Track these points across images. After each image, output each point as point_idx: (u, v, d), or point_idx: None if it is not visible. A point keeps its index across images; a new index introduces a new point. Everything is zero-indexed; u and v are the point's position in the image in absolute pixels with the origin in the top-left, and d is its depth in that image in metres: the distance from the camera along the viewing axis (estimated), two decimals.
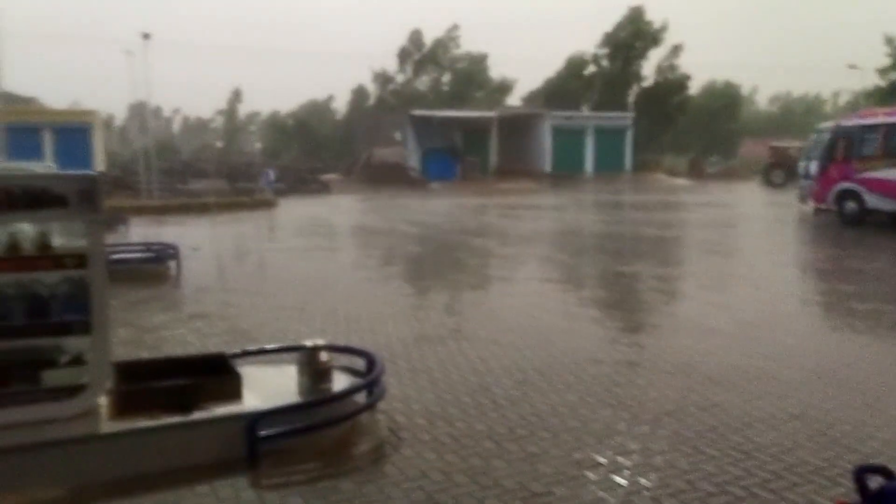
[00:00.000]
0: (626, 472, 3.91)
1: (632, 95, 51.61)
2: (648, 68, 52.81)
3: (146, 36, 24.42)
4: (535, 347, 6.47)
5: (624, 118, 44.15)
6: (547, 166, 40.98)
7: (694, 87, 56.73)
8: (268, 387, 4.52)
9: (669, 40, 51.94)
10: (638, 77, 52.73)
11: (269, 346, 5.43)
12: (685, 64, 53.07)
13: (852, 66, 38.41)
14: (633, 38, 51.50)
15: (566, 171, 40.22)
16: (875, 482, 2.28)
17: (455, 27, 58.49)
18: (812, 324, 7.85)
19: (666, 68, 52.37)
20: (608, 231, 17.57)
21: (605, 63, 53.17)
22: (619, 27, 52.04)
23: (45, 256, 3.98)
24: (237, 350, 5.18)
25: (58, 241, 4.09)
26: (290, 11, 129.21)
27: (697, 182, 39.83)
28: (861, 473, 2.28)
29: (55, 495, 3.78)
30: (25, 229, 4.03)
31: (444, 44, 58.41)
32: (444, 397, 5.14)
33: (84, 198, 3.94)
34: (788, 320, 7.75)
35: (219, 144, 66.09)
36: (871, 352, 6.39)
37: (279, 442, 4.14)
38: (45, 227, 4.05)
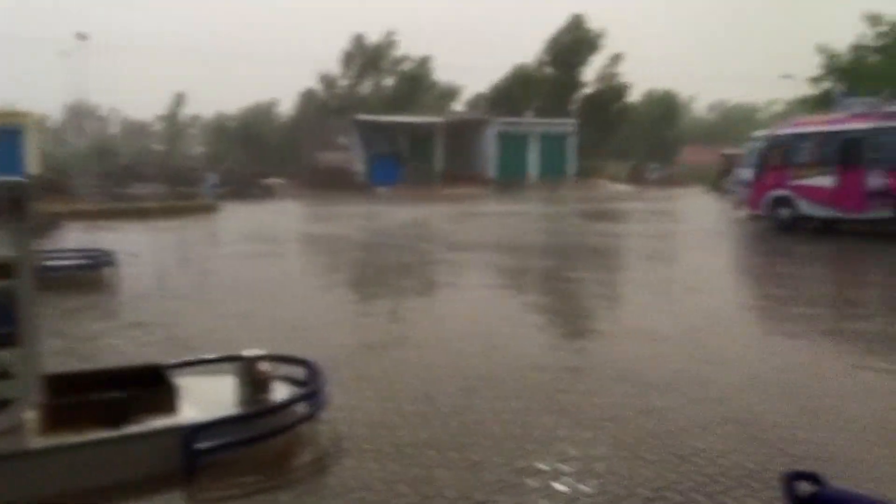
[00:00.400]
0: (567, 479, 3.93)
1: (575, 102, 52.41)
2: (590, 75, 53.79)
3: (82, 36, 23.84)
4: (479, 354, 6.48)
5: (567, 124, 44.78)
6: (492, 172, 41.26)
7: (635, 96, 58.02)
8: (205, 398, 4.42)
9: (610, 48, 53.02)
10: (580, 84, 53.59)
11: (206, 356, 5.31)
12: (626, 72, 54.28)
13: (786, 76, 39.70)
14: (574, 45, 52.34)
15: (511, 176, 40.57)
16: (804, 489, 2.32)
17: (392, 32, 58.45)
18: (749, 328, 8.04)
19: (607, 76, 53.36)
20: (553, 237, 17.77)
21: (548, 70, 53.88)
22: (561, 34, 52.82)
23: None
24: (174, 360, 5.05)
25: None
26: (236, 13, 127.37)
27: (639, 188, 40.64)
28: (789, 480, 2.32)
29: None
30: None
31: (383, 48, 58.31)
32: (387, 406, 5.10)
33: (11, 204, 3.80)
34: (727, 325, 7.93)
35: (160, 148, 64.67)
36: (804, 355, 6.58)
37: (217, 455, 4.05)
38: None
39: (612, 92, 53.23)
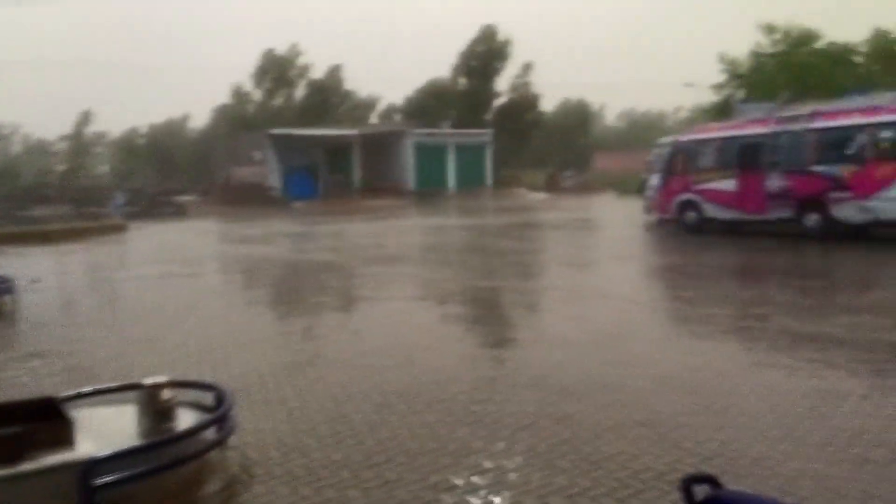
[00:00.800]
0: (481, 493, 3.92)
1: (490, 112, 53.10)
2: (504, 86, 54.62)
3: None
4: (395, 369, 6.43)
5: (483, 135, 45.26)
6: (411, 183, 41.30)
7: (549, 105, 59.23)
8: (105, 430, 4.22)
9: (522, 58, 53.98)
10: (495, 94, 54.34)
11: (106, 386, 5.08)
12: (539, 82, 55.31)
13: (689, 84, 41.18)
14: (487, 55, 53.07)
15: (430, 187, 40.70)
16: (702, 492, 2.35)
17: (297, 44, 58.01)
18: (658, 330, 8.25)
19: (520, 85, 54.29)
20: (471, 246, 17.88)
21: (463, 81, 54.43)
22: (474, 45, 53.49)
23: None
24: (72, 391, 4.81)
25: None
26: (145, 28, 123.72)
27: (555, 195, 41.35)
28: (687, 484, 2.34)
29: None
30: None
31: (292, 59, 57.73)
32: (300, 427, 5.00)
33: None
34: (636, 328, 8.12)
35: (62, 168, 62.11)
36: (710, 355, 6.78)
37: (118, 489, 3.86)
38: None
39: (525, 101, 54.17)
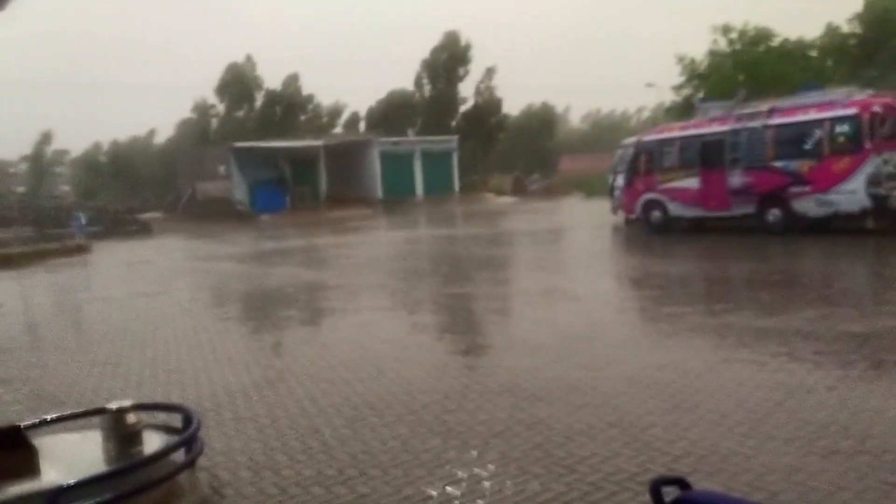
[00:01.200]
0: (456, 503, 3.91)
1: (455, 118, 53.25)
2: (467, 91, 54.81)
3: None
4: (366, 381, 6.39)
5: (449, 141, 45.39)
6: (378, 192, 41.26)
7: (514, 109, 59.56)
8: (70, 457, 4.14)
9: (484, 63, 54.24)
10: (459, 100, 54.52)
11: (70, 412, 4.99)
12: (502, 85, 55.60)
13: (650, 85, 41.74)
14: (450, 61, 53.24)
15: (397, 195, 40.70)
16: (671, 493, 2.36)
17: (251, 55, 57.54)
18: (626, 331, 8.32)
19: (483, 90, 54.53)
20: (439, 254, 17.89)
21: (427, 87, 54.55)
22: (436, 52, 53.64)
23: None
24: (35, 419, 4.71)
25: None
26: (105, 44, 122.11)
27: (522, 199, 41.56)
28: (657, 486, 2.35)
29: None
30: None
31: (250, 72, 57.27)
32: (271, 445, 4.94)
33: None
34: (605, 329, 8.18)
35: (22, 189, 60.98)
36: (678, 353, 6.84)
37: None
38: None
39: (489, 106, 54.45)
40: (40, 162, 68.68)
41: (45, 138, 68.44)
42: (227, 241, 24.62)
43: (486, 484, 4.10)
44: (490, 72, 54.57)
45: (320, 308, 11.23)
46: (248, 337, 9.45)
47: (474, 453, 4.56)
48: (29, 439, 4.21)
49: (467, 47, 53.61)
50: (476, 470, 4.30)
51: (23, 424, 4.50)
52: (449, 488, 4.08)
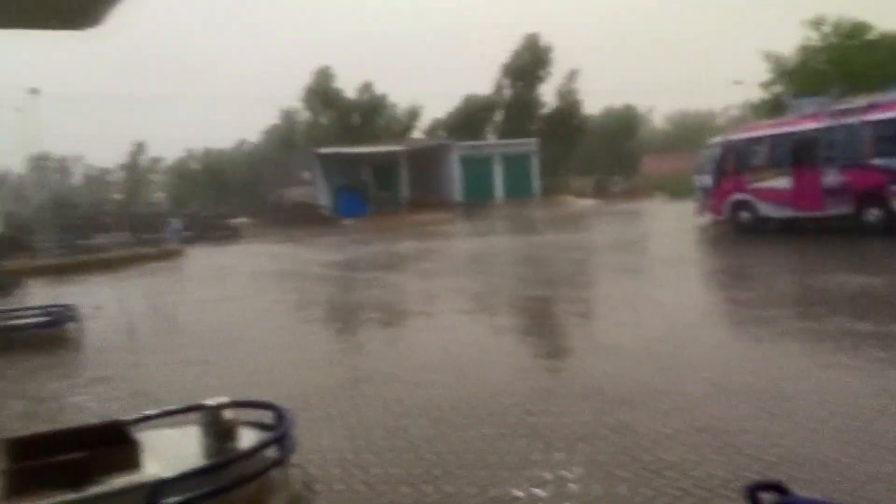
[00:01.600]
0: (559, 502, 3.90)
1: (535, 121, 52.94)
2: (548, 94, 54.42)
3: (34, 91, 23.68)
4: (450, 383, 6.43)
5: (529, 144, 45.11)
6: (458, 195, 41.40)
7: (595, 111, 58.76)
8: (170, 452, 4.32)
9: (565, 65, 53.71)
10: (540, 103, 54.18)
11: (169, 408, 5.20)
12: (585, 89, 54.91)
13: (738, 83, 40.45)
14: (531, 64, 52.99)
15: (477, 198, 40.73)
16: (769, 499, 2.30)
17: (328, 65, 58.38)
18: (714, 335, 8.10)
19: (565, 92, 54.03)
20: (520, 257, 17.81)
21: (507, 91, 54.44)
22: (517, 55, 53.48)
23: None
24: (136, 415, 4.94)
25: None
26: (194, 56, 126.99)
27: (604, 202, 40.97)
28: (753, 491, 2.30)
29: None
30: None
31: (331, 80, 58.27)
32: (359, 444, 5.03)
33: None
34: (693, 333, 7.99)
35: (119, 196, 63.98)
36: (769, 358, 6.63)
37: None
38: None
39: (570, 108, 53.89)
40: (136, 170, 71.91)
41: (140, 148, 71.69)
42: (311, 245, 25.18)
43: (573, 486, 4.07)
44: (572, 74, 54.03)
45: (403, 310, 11.36)
46: (333, 338, 9.64)
47: (560, 455, 4.53)
48: (130, 434, 4.42)
49: (548, 49, 53.26)
50: (562, 472, 4.28)
51: (125, 420, 4.73)
52: (535, 490, 4.07)
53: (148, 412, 5.06)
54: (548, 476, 4.24)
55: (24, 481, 3.90)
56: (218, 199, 58.19)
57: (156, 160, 77.46)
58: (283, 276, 17.29)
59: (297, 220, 35.75)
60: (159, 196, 62.80)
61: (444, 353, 7.77)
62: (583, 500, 3.90)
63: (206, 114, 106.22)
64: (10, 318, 10.46)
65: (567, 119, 52.87)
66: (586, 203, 40.87)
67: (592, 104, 56.92)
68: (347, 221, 34.96)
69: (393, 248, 22.10)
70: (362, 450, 4.91)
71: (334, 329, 10.41)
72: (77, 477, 3.97)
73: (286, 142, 57.93)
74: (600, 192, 45.96)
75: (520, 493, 4.05)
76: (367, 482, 4.37)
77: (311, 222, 34.85)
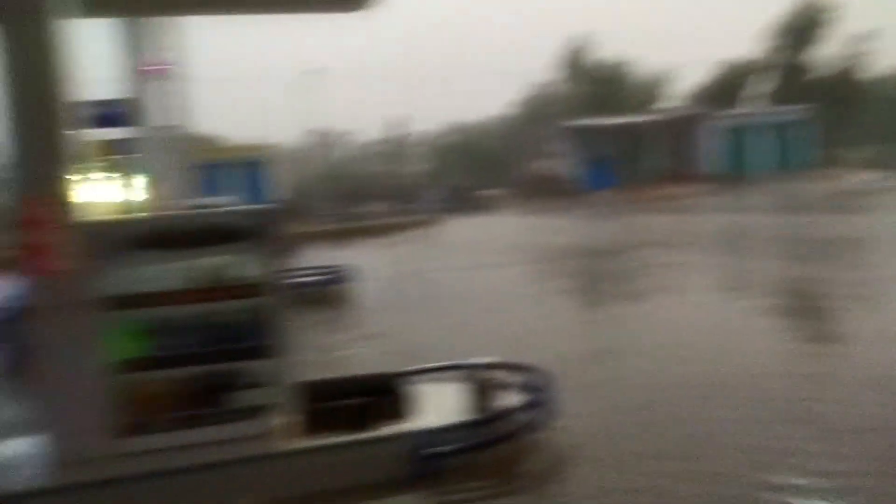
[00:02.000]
0: (806, 497, 3.65)
1: (807, 87, 48.33)
2: (826, 58, 49.37)
3: (317, 70, 26.06)
4: (704, 361, 6.18)
5: (799, 112, 41.30)
6: (713, 168, 39.14)
7: (881, 75, 52.37)
8: (434, 405, 4.61)
9: (848, 27, 48.30)
10: (813, 67, 49.39)
11: (435, 364, 5.53)
12: (870, 51, 49.04)
13: None
14: (805, 26, 48.42)
15: (735, 172, 38.24)
16: None
17: (589, 35, 57.38)
18: None
19: (847, 57, 48.66)
20: (787, 233, 16.48)
21: (775, 56, 50.28)
22: (791, 17, 49.11)
23: (230, 287, 4.27)
24: (404, 369, 5.31)
25: (242, 271, 4.35)
26: (454, 33, 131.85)
27: (886, 177, 36.51)
28: None
29: None
30: (214, 262, 4.33)
31: (586, 51, 57.44)
32: (617, 414, 5.02)
33: (263, 229, 4.24)
34: None
35: (386, 168, 68.68)
36: None
37: (445, 460, 4.19)
38: (232, 259, 4.33)
39: (850, 73, 48.50)
40: (399, 143, 76.56)
41: (404, 122, 76.08)
42: (562, 217, 25.27)
43: (857, 481, 3.75)
44: (859, 37, 48.33)
45: (656, 285, 11.02)
46: (584, 309, 9.68)
47: (843, 447, 4.18)
48: (399, 387, 4.78)
49: (825, 10, 48.16)
50: (849, 465, 3.96)
51: (396, 372, 5.11)
52: (798, 480, 3.83)
53: (414, 367, 5.42)
54: (832, 467, 3.95)
55: (320, 420, 4.38)
56: (473, 171, 60.21)
57: (418, 134, 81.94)
58: (535, 248, 17.55)
59: (547, 192, 36.04)
60: (420, 168, 66.40)
61: (698, 330, 7.49)
62: (851, 500, 3.58)
63: (466, 87, 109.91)
64: (299, 277, 11.70)
65: (845, 84, 47.61)
66: (864, 178, 36.64)
67: (878, 67, 50.61)
68: (597, 194, 34.57)
69: (644, 221, 21.52)
70: (622, 422, 4.88)
71: (587, 300, 10.42)
72: (353, 421, 4.40)
73: (537, 114, 58.41)
74: (883, 165, 40.93)
75: (778, 481, 3.82)
76: (633, 452, 4.35)
77: (559, 195, 34.94)
